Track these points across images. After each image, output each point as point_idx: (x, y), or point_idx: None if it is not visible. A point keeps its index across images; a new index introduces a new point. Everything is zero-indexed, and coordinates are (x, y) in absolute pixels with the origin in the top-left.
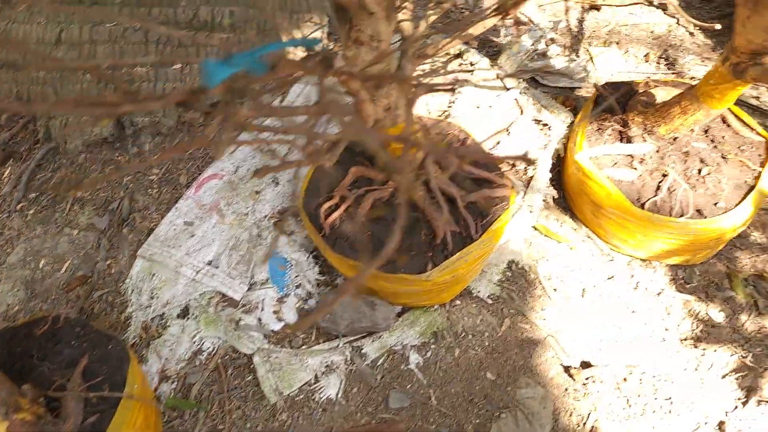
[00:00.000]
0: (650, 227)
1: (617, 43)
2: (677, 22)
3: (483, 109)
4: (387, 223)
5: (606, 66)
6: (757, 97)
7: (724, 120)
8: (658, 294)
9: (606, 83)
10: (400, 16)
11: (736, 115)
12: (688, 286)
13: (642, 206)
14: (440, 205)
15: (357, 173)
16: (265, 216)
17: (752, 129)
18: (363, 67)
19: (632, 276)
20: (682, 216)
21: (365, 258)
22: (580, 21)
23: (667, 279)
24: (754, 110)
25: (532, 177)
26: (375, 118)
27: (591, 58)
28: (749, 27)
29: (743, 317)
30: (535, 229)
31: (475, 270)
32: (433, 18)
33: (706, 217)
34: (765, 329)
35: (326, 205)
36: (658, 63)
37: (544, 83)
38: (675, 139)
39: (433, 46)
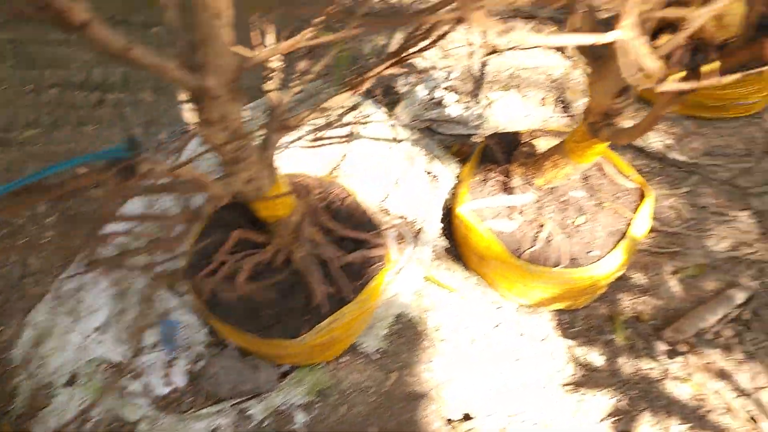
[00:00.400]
0: (529, 277)
1: (517, 87)
2: (574, 65)
3: (375, 162)
4: (267, 287)
5: (505, 110)
6: (643, 139)
7: (600, 168)
8: (543, 340)
9: (493, 134)
10: (268, 86)
11: (613, 163)
12: (571, 330)
13: (520, 257)
14: (317, 268)
15: (239, 236)
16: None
17: (627, 176)
18: (218, 144)
19: (519, 323)
20: (557, 265)
21: (243, 324)
22: (482, 66)
23: (552, 325)
24: (639, 152)
25: (420, 229)
26: (233, 192)
27: (490, 104)
28: (597, 89)
29: (621, 360)
30: (427, 279)
31: (356, 328)
32: (298, 89)
33: (580, 266)
34: (641, 371)
35: (207, 270)
36: (555, 106)
37: (440, 132)
38: (553, 189)
39: (295, 118)
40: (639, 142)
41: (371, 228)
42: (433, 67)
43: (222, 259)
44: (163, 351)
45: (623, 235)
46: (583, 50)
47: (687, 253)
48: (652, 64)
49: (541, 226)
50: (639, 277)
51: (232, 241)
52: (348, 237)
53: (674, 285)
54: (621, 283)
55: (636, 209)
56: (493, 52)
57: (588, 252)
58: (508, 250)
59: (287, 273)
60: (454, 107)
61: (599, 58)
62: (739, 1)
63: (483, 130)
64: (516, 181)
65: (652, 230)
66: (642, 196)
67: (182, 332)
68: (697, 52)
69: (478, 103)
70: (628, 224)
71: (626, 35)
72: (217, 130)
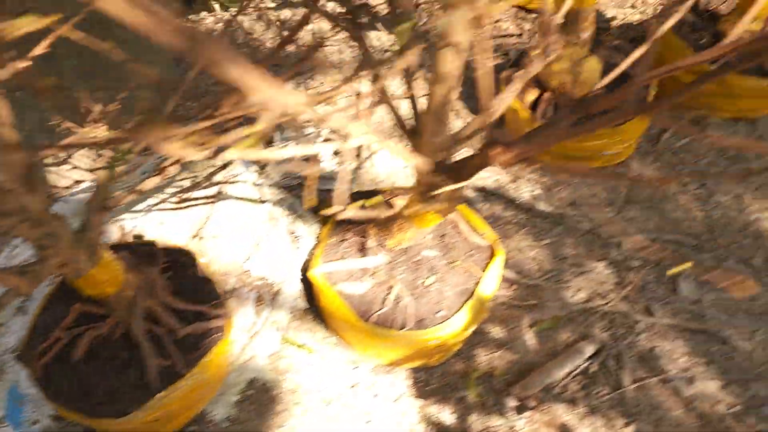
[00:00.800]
0: (376, 340)
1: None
2: (456, 113)
3: (238, 223)
4: (103, 362)
5: (384, 162)
6: (514, 189)
7: (455, 226)
8: (396, 400)
9: (354, 192)
10: (97, 163)
11: (467, 221)
12: (426, 389)
13: (368, 320)
14: (153, 341)
15: (80, 310)
16: (9, 349)
17: (481, 234)
18: (21, 234)
19: (374, 383)
20: (403, 327)
21: (73, 402)
22: (368, 116)
23: (407, 383)
24: (509, 203)
25: (279, 291)
26: (40, 282)
27: (370, 156)
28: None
29: (472, 418)
30: (285, 341)
31: (198, 399)
32: (121, 167)
33: (426, 327)
34: (490, 429)
35: (41, 347)
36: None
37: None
38: (407, 249)
39: (114, 199)
40: (509, 192)
41: (215, 297)
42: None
43: (57, 335)
44: (9, 426)
45: (471, 294)
46: (401, 125)
47: (545, 306)
48: (416, 160)
49: (391, 287)
50: (497, 331)
51: (71, 316)
52: (188, 309)
53: (530, 338)
54: (479, 338)
55: (486, 267)
56: (381, 102)
57: (436, 312)
58: (356, 314)
59: (125, 347)
60: (330, 162)
61: (413, 134)
62: (594, 58)
63: (358, 185)
64: (371, 242)
65: (513, 283)
66: (493, 254)
67: (29, 405)
68: (558, 108)
69: (357, 156)
70: (477, 283)
71: (362, 141)
72: (16, 221)
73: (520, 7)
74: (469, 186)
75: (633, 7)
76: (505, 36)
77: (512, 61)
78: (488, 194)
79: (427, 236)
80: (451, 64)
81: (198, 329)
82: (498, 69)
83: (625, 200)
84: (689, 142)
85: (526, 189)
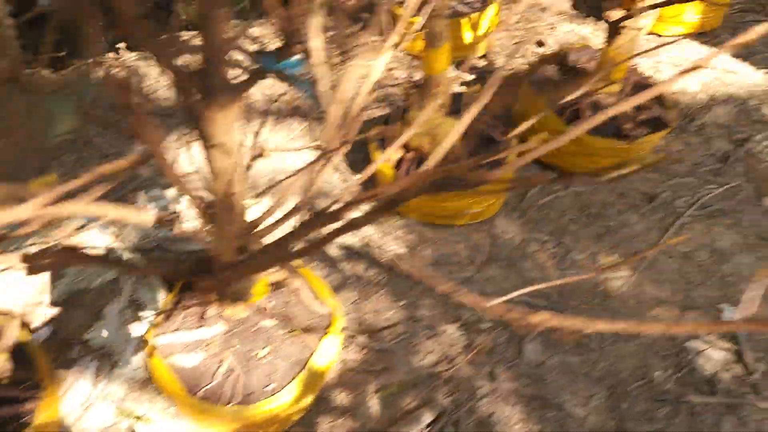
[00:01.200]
0: (203, 415)
1: (273, 194)
2: (335, 168)
3: (82, 290)
4: None
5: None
6: (379, 246)
7: (298, 294)
8: None
9: (199, 258)
10: None
11: (310, 288)
12: None
13: (195, 394)
14: None
15: None
16: None
17: (322, 301)
18: None
19: None
20: (230, 402)
21: None
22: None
23: None
24: (371, 263)
25: (117, 362)
26: None
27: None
28: (219, 247)
29: None
30: (122, 413)
31: None
32: None
33: (255, 401)
34: None
35: None
36: (304, 211)
37: (172, 250)
38: (246, 318)
39: None
40: (374, 251)
41: (36, 376)
42: (193, 173)
43: None
44: None
45: (304, 366)
46: (202, 215)
47: (394, 370)
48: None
49: (222, 360)
50: (342, 398)
51: None
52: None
53: (374, 404)
54: (323, 405)
55: (323, 336)
56: (260, 155)
57: (265, 386)
58: (184, 388)
59: None
60: (193, 221)
61: (213, 221)
62: (449, 120)
63: None
64: (211, 310)
65: (364, 347)
66: (332, 322)
67: None
68: (421, 164)
69: None
70: (312, 353)
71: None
72: None
73: (414, 56)
74: (334, 244)
75: (522, 56)
76: (395, 85)
77: (391, 116)
78: (352, 253)
79: (268, 304)
80: (221, 162)
81: (7, 413)
82: (384, 120)
83: (486, 259)
84: (553, 199)
85: (392, 247)
